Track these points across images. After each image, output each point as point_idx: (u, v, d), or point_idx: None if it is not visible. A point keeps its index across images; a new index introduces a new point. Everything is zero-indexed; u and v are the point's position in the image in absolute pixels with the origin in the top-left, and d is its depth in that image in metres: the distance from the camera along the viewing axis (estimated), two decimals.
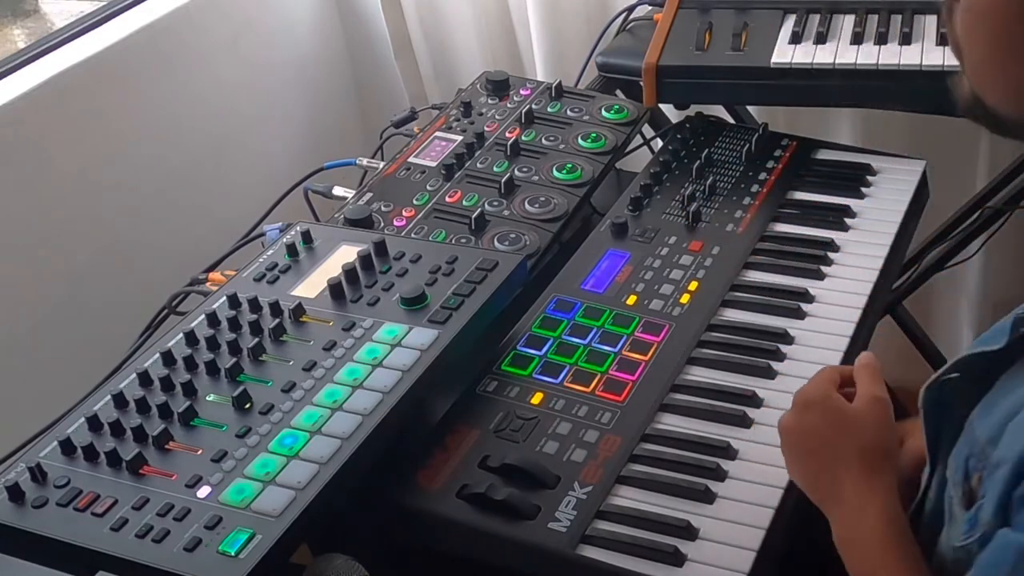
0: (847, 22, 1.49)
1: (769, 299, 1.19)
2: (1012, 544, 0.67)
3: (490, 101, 1.52)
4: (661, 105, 1.57)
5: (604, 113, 1.48)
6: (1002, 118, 0.77)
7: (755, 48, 1.47)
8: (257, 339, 1.07)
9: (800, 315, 1.17)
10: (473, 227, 1.27)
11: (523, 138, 1.43)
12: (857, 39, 1.45)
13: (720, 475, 0.98)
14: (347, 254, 1.18)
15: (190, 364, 1.05)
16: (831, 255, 1.26)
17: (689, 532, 0.93)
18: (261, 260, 1.20)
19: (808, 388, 0.93)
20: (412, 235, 1.27)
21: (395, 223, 1.29)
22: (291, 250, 1.19)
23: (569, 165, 1.38)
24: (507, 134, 1.44)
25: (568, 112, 1.49)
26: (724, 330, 1.15)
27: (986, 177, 1.94)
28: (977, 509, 0.76)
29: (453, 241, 1.25)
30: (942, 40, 1.41)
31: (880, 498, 0.87)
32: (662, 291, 1.19)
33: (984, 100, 0.78)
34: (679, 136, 1.47)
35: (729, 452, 1.00)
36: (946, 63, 1.38)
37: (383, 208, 1.32)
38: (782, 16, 1.53)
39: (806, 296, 1.19)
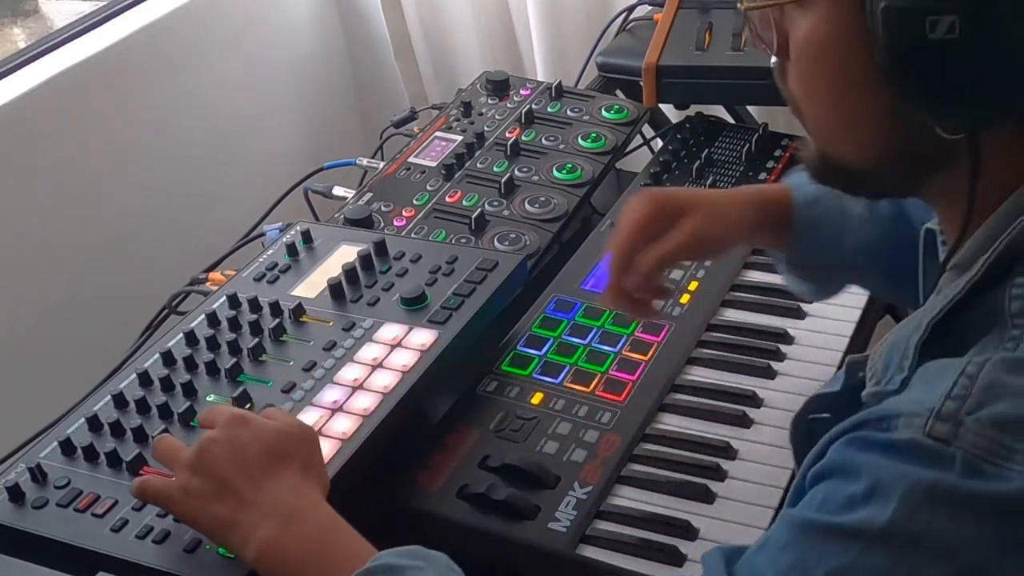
0: None
1: (769, 299, 1.19)
2: (788, 517, 0.65)
3: (490, 101, 1.52)
4: (661, 105, 1.57)
5: (604, 113, 1.48)
6: (850, 171, 0.74)
7: (755, 48, 1.47)
8: (257, 339, 1.07)
9: (800, 315, 1.17)
10: (473, 227, 1.27)
11: (523, 138, 1.43)
12: None
13: (720, 475, 0.98)
14: (347, 254, 1.18)
15: (190, 364, 1.05)
16: None
17: (689, 532, 0.93)
18: (261, 260, 1.20)
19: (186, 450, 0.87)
20: (412, 235, 1.27)
21: (395, 223, 1.29)
22: (291, 250, 1.19)
23: (569, 165, 1.38)
24: (507, 134, 1.44)
25: (568, 112, 1.49)
26: (724, 330, 1.15)
27: None
28: None
29: (453, 241, 1.25)
30: None
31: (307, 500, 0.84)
32: None
33: (830, 156, 0.75)
34: (679, 136, 1.47)
35: (729, 452, 1.00)
36: None
37: (383, 208, 1.32)
38: None
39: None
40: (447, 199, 1.33)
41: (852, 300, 1.18)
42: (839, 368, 0.83)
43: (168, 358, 1.06)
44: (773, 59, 0.77)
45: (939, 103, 0.65)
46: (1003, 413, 0.59)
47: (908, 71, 0.64)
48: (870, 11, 0.64)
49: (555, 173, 1.37)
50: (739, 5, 0.77)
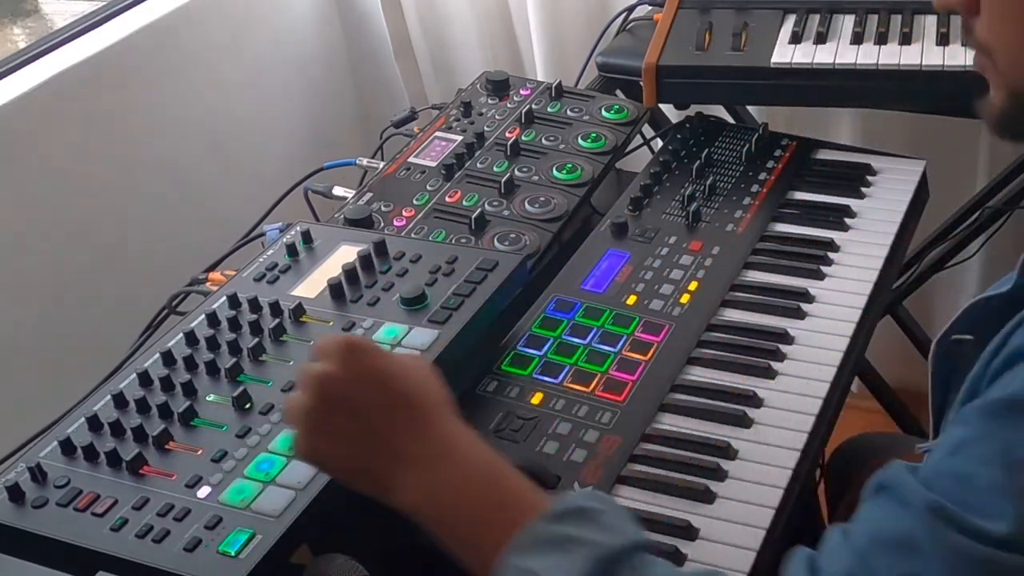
0: (847, 22, 1.49)
1: (769, 299, 1.19)
2: (973, 410, 0.65)
3: (490, 101, 1.52)
4: (661, 105, 1.57)
5: (604, 113, 1.48)
6: None
7: (755, 48, 1.47)
8: (257, 339, 1.07)
9: (800, 315, 1.17)
10: (473, 227, 1.27)
11: (523, 138, 1.43)
12: (857, 39, 1.45)
13: (720, 475, 0.98)
14: (347, 254, 1.18)
15: (190, 364, 1.05)
16: (831, 255, 1.26)
17: (689, 532, 0.93)
18: (261, 260, 1.20)
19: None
20: (412, 235, 1.27)
21: (395, 223, 1.29)
22: (291, 250, 1.19)
23: (569, 165, 1.38)
24: (507, 134, 1.44)
25: (568, 112, 1.49)
26: (724, 330, 1.15)
27: (986, 177, 1.94)
28: None
29: (453, 241, 1.25)
30: (942, 40, 1.41)
31: (462, 438, 0.79)
32: (662, 291, 1.18)
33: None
34: (679, 136, 1.47)
35: (729, 452, 1.00)
36: (946, 63, 1.38)
37: (383, 208, 1.32)
38: (782, 16, 1.53)
39: (806, 296, 1.19)
40: (447, 199, 1.33)
41: (852, 300, 1.18)
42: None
43: (168, 358, 1.06)
44: (957, 18, 0.79)
45: None
46: None
47: None
48: None
49: (555, 173, 1.37)
50: None
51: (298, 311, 1.10)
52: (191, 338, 1.08)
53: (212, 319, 1.10)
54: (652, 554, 0.74)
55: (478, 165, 1.39)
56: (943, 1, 0.80)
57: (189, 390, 1.02)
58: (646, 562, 0.73)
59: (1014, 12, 0.75)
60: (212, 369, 1.04)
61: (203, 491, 0.93)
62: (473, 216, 1.27)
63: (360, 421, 0.78)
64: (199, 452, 0.97)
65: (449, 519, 0.77)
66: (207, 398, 1.02)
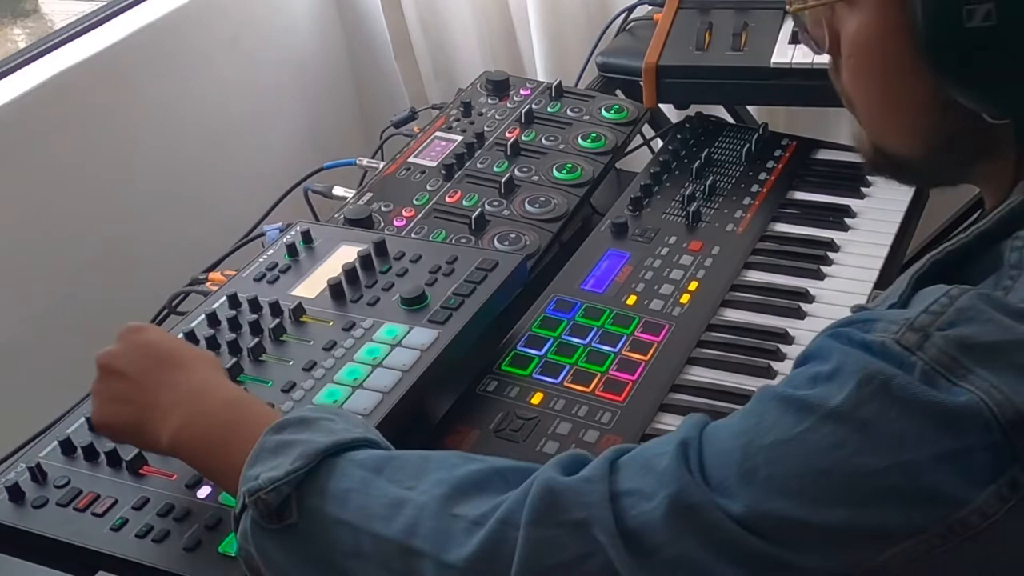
0: None
1: (769, 299, 1.19)
2: (758, 392, 0.67)
3: (490, 101, 1.52)
4: (661, 105, 1.57)
5: (604, 113, 1.48)
6: (902, 161, 0.77)
7: (755, 48, 1.47)
8: (257, 339, 1.07)
9: (800, 315, 1.17)
10: (473, 227, 1.27)
11: (523, 138, 1.43)
12: None
13: None
14: (347, 254, 1.18)
15: None
16: (831, 255, 1.26)
17: None
18: (261, 260, 1.20)
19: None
20: (412, 235, 1.27)
21: (395, 223, 1.29)
22: (291, 250, 1.19)
23: (569, 165, 1.38)
24: (507, 134, 1.44)
25: (568, 112, 1.49)
26: (724, 330, 1.15)
27: None
28: None
29: (453, 241, 1.25)
30: None
31: (212, 382, 0.89)
32: (662, 291, 1.18)
33: (882, 147, 0.78)
34: (679, 136, 1.47)
35: None
36: None
37: (383, 208, 1.32)
38: (782, 16, 1.53)
39: (806, 296, 1.19)
40: (447, 199, 1.33)
41: (852, 300, 1.18)
42: None
43: None
44: (827, 57, 0.79)
45: (980, 90, 0.68)
46: (969, 336, 0.61)
47: (949, 60, 0.67)
48: (912, 3, 0.67)
49: (555, 173, 1.37)
50: (788, 7, 0.79)
51: (298, 311, 1.10)
52: (191, 338, 1.08)
53: (212, 319, 1.10)
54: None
55: (478, 165, 1.39)
56: (804, 38, 0.80)
57: None
58: (357, 456, 0.77)
59: (865, 75, 0.75)
60: None
61: (203, 491, 0.93)
62: (473, 216, 1.27)
63: (128, 381, 0.89)
64: None
65: (200, 451, 0.85)
66: None
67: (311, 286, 1.14)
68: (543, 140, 1.43)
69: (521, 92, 1.54)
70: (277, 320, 1.09)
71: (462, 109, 1.50)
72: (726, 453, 0.65)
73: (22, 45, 1.91)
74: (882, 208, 1.34)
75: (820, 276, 1.22)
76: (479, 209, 1.29)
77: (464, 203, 1.32)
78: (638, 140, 1.59)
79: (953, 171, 0.77)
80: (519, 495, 0.70)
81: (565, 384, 1.07)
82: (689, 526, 0.63)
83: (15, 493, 0.94)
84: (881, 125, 0.78)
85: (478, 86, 1.56)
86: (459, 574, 0.69)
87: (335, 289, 1.12)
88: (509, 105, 1.51)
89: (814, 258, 1.25)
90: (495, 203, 1.32)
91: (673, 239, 1.27)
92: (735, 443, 0.65)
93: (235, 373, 1.03)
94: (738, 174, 1.38)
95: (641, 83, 1.49)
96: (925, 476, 0.59)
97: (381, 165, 1.44)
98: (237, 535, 0.79)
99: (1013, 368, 0.59)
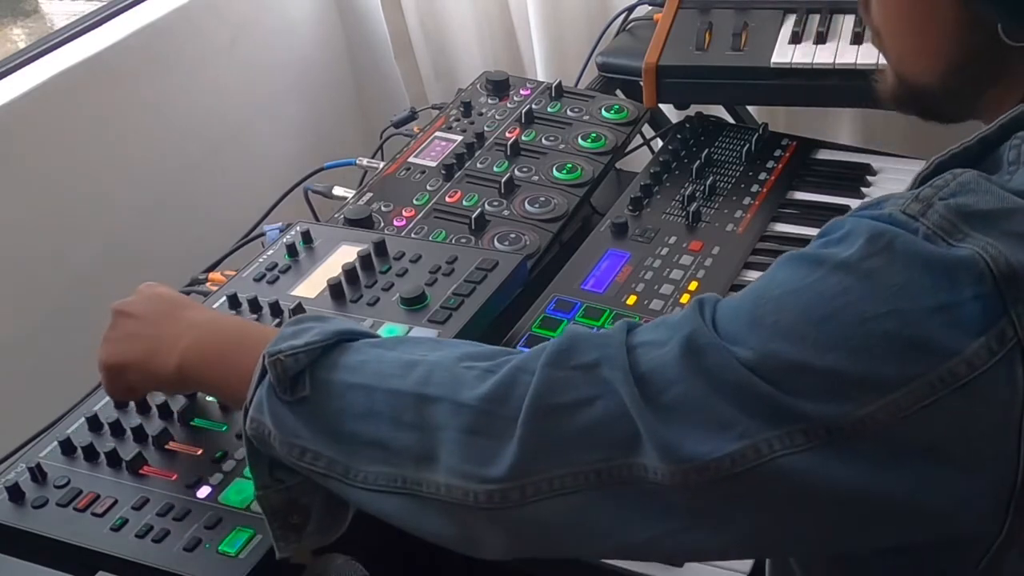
0: (847, 22, 1.49)
1: None
2: (781, 258, 0.70)
3: (490, 101, 1.52)
4: (661, 105, 1.57)
5: (604, 113, 1.48)
6: (928, 93, 0.80)
7: (755, 48, 1.47)
8: None
9: None
10: (473, 227, 1.27)
11: (523, 138, 1.43)
12: (857, 39, 1.45)
13: None
14: (347, 254, 1.18)
15: None
16: None
17: None
18: (261, 260, 1.20)
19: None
20: (412, 235, 1.27)
21: (395, 223, 1.29)
22: (291, 250, 1.19)
23: (569, 165, 1.38)
24: (507, 134, 1.44)
25: (568, 112, 1.49)
26: None
27: None
28: None
29: (453, 241, 1.25)
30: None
31: (213, 315, 0.96)
32: (662, 291, 1.18)
33: (906, 77, 0.81)
34: (679, 136, 1.47)
35: None
36: None
37: (383, 208, 1.32)
38: (782, 16, 1.53)
39: None
40: (447, 199, 1.33)
41: None
42: None
43: None
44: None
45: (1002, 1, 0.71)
46: (969, 204, 0.64)
47: None
48: None
49: (555, 173, 1.37)
50: None
51: (298, 311, 1.10)
52: None
53: None
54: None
55: (478, 165, 1.39)
56: None
57: None
58: (367, 341, 0.81)
59: (892, 2, 0.78)
60: None
61: (203, 491, 0.93)
62: (473, 216, 1.27)
63: (140, 320, 0.94)
64: (199, 452, 0.97)
65: (211, 363, 0.88)
66: (207, 398, 1.02)
67: (311, 286, 1.14)
68: (543, 140, 1.43)
69: (521, 92, 1.54)
70: (277, 320, 1.09)
71: (462, 109, 1.50)
72: (737, 308, 0.68)
73: (22, 45, 1.91)
74: None
75: None
76: (479, 209, 1.29)
77: (464, 203, 1.32)
78: (638, 140, 1.59)
79: (966, 101, 0.80)
80: (535, 350, 0.73)
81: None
82: (699, 366, 0.66)
83: (15, 493, 0.94)
84: (905, 52, 0.80)
85: (478, 86, 1.56)
86: (472, 412, 0.72)
87: (335, 289, 1.12)
88: (509, 105, 1.51)
89: None
90: (495, 203, 1.32)
91: (673, 239, 1.27)
92: (746, 298, 0.68)
93: None
94: (738, 174, 1.38)
95: (641, 83, 1.49)
96: (920, 324, 0.61)
97: (381, 165, 1.44)
98: (251, 408, 0.80)
99: (1008, 234, 0.62)
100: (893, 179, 1.39)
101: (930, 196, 0.65)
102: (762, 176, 1.38)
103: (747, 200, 1.34)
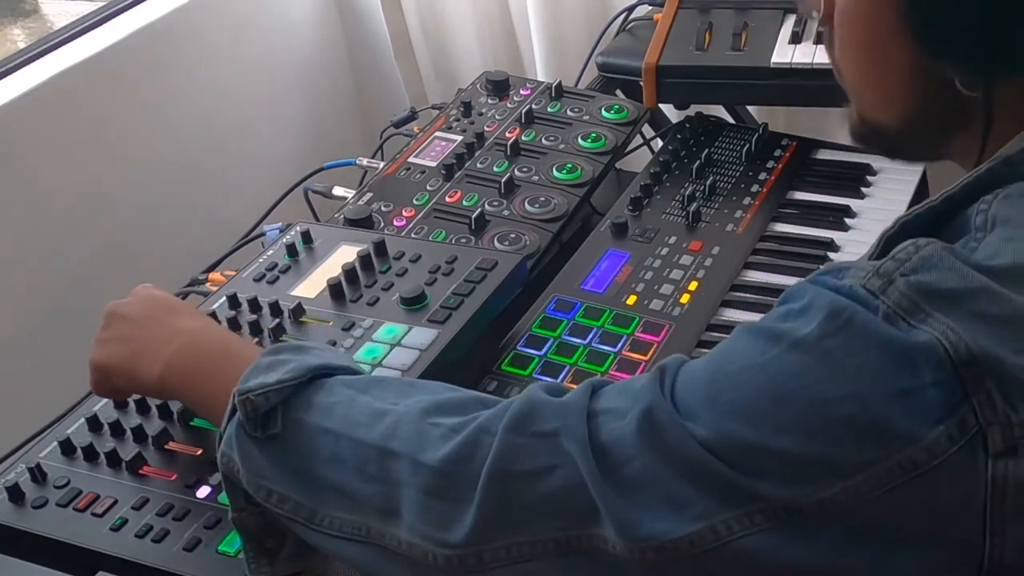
0: None
1: (769, 299, 1.18)
2: (741, 328, 0.69)
3: (490, 101, 1.52)
4: (661, 105, 1.57)
5: (604, 113, 1.48)
6: (884, 132, 0.80)
7: (755, 48, 1.47)
8: (257, 339, 1.07)
9: None
10: (473, 227, 1.27)
11: (523, 138, 1.43)
12: None
13: None
14: (347, 254, 1.18)
15: None
16: (831, 255, 1.26)
17: None
18: (261, 260, 1.19)
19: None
20: (412, 235, 1.27)
21: (395, 223, 1.29)
22: (291, 250, 1.19)
23: (569, 165, 1.38)
24: (507, 134, 1.44)
25: (568, 112, 1.49)
26: (724, 330, 1.14)
27: None
28: None
29: (453, 241, 1.25)
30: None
31: (200, 324, 0.94)
32: (662, 291, 1.18)
33: (866, 118, 0.81)
34: (679, 136, 1.47)
35: None
36: None
37: (383, 208, 1.32)
38: (782, 16, 1.53)
39: None
40: (447, 199, 1.33)
41: None
42: None
43: None
44: (821, 28, 0.82)
45: (954, 53, 0.71)
46: (931, 283, 0.62)
47: (925, 23, 0.71)
48: None
49: (555, 173, 1.37)
50: None
51: (298, 311, 1.10)
52: None
53: (212, 319, 1.10)
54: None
55: (478, 165, 1.39)
56: (803, 7, 0.84)
57: None
58: (345, 378, 0.81)
59: (851, 42, 0.79)
60: None
61: (203, 491, 0.93)
62: (473, 216, 1.27)
63: (130, 323, 0.94)
64: (199, 452, 0.97)
65: (192, 377, 0.89)
66: None
67: (311, 286, 1.14)
68: (543, 140, 1.43)
69: (521, 92, 1.54)
70: (277, 320, 1.09)
71: (462, 109, 1.50)
72: (695, 380, 0.67)
73: (22, 45, 1.91)
74: (882, 208, 1.34)
75: None
76: (479, 209, 1.29)
77: (464, 203, 1.32)
78: (638, 140, 1.59)
79: (929, 143, 0.81)
80: (500, 408, 0.72)
81: (565, 384, 1.07)
82: (656, 442, 0.65)
83: (15, 493, 0.94)
84: (864, 92, 0.81)
85: (478, 86, 1.56)
86: (432, 473, 0.71)
87: (335, 289, 1.12)
88: (509, 105, 1.51)
89: (814, 258, 1.25)
90: (495, 203, 1.32)
91: (673, 239, 1.27)
92: (704, 371, 0.67)
93: None
94: (738, 174, 1.38)
95: (641, 83, 1.49)
96: (878, 410, 0.60)
97: (381, 165, 1.44)
98: (221, 443, 0.80)
99: (970, 315, 0.61)
100: (893, 179, 1.39)
101: (891, 271, 0.63)
102: (762, 176, 1.38)
103: (747, 200, 1.34)
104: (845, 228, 1.30)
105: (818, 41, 1.46)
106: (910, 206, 1.32)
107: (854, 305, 0.62)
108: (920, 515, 0.61)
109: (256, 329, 1.08)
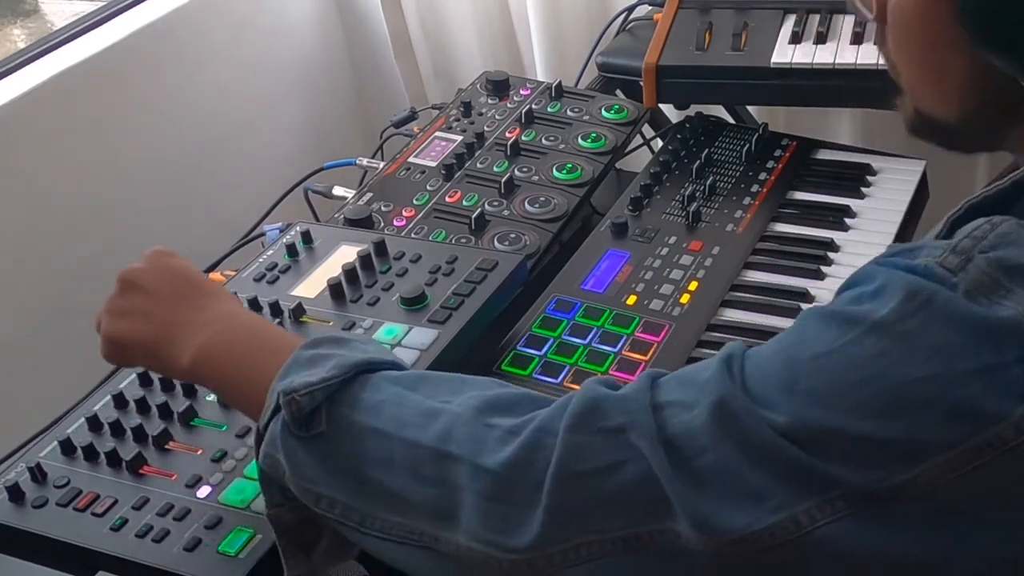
0: (847, 22, 1.49)
1: (769, 299, 1.19)
2: (810, 313, 0.68)
3: (490, 101, 1.52)
4: (661, 105, 1.57)
5: (604, 113, 1.48)
6: (944, 127, 0.79)
7: (755, 48, 1.47)
8: None
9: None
10: (473, 227, 1.27)
11: (523, 138, 1.43)
12: (857, 39, 1.45)
13: None
14: (347, 254, 1.18)
15: None
16: (831, 255, 1.26)
17: None
18: (261, 260, 1.19)
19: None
20: (412, 235, 1.27)
21: (395, 223, 1.29)
22: (291, 250, 1.19)
23: (569, 165, 1.38)
24: (507, 134, 1.44)
25: (568, 112, 1.49)
26: (724, 330, 1.14)
27: (986, 177, 1.94)
28: None
29: (453, 241, 1.25)
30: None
31: (232, 308, 0.89)
32: (662, 291, 1.18)
33: (923, 112, 0.80)
34: (679, 136, 1.47)
35: None
36: None
37: (383, 208, 1.32)
38: (782, 16, 1.53)
39: (806, 296, 1.19)
40: (447, 199, 1.33)
41: None
42: None
43: None
44: (874, 24, 0.81)
45: (1015, 55, 0.69)
46: (1010, 257, 0.62)
47: (981, 20, 0.69)
48: None
49: (555, 173, 1.37)
50: None
51: (298, 311, 1.10)
52: None
53: None
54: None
55: (478, 165, 1.39)
56: (852, 6, 0.82)
57: (189, 390, 1.02)
58: (391, 374, 0.79)
59: (906, 42, 0.77)
60: None
61: (203, 491, 0.93)
62: (473, 216, 1.27)
63: (149, 297, 0.89)
64: (199, 452, 0.97)
65: (226, 366, 0.85)
66: (207, 398, 1.02)
67: (311, 286, 1.14)
68: (543, 140, 1.43)
69: (521, 92, 1.54)
70: (277, 320, 1.09)
71: (462, 109, 1.50)
72: (767, 367, 0.66)
73: (22, 45, 1.91)
74: (882, 208, 1.34)
75: (820, 276, 1.22)
76: (479, 209, 1.29)
77: (464, 203, 1.32)
78: (638, 140, 1.59)
79: (988, 135, 0.79)
80: (557, 407, 0.71)
81: (565, 384, 1.07)
82: (730, 432, 0.64)
83: (15, 493, 0.94)
84: (921, 89, 0.79)
85: (478, 86, 1.56)
86: (494, 478, 0.70)
87: (335, 289, 1.12)
88: (509, 105, 1.51)
89: (814, 258, 1.25)
90: (495, 203, 1.32)
91: (673, 239, 1.27)
92: (776, 358, 0.66)
93: None
94: (738, 174, 1.38)
95: (641, 83, 1.49)
96: (962, 389, 0.60)
97: (381, 165, 1.44)
98: (263, 443, 0.79)
99: None
100: (893, 179, 1.39)
101: (968, 248, 0.63)
102: (762, 176, 1.38)
103: (747, 200, 1.34)
104: (845, 228, 1.30)
105: (818, 41, 1.46)
106: (910, 206, 1.34)
107: (932, 284, 0.62)
108: (1004, 492, 0.61)
109: None
